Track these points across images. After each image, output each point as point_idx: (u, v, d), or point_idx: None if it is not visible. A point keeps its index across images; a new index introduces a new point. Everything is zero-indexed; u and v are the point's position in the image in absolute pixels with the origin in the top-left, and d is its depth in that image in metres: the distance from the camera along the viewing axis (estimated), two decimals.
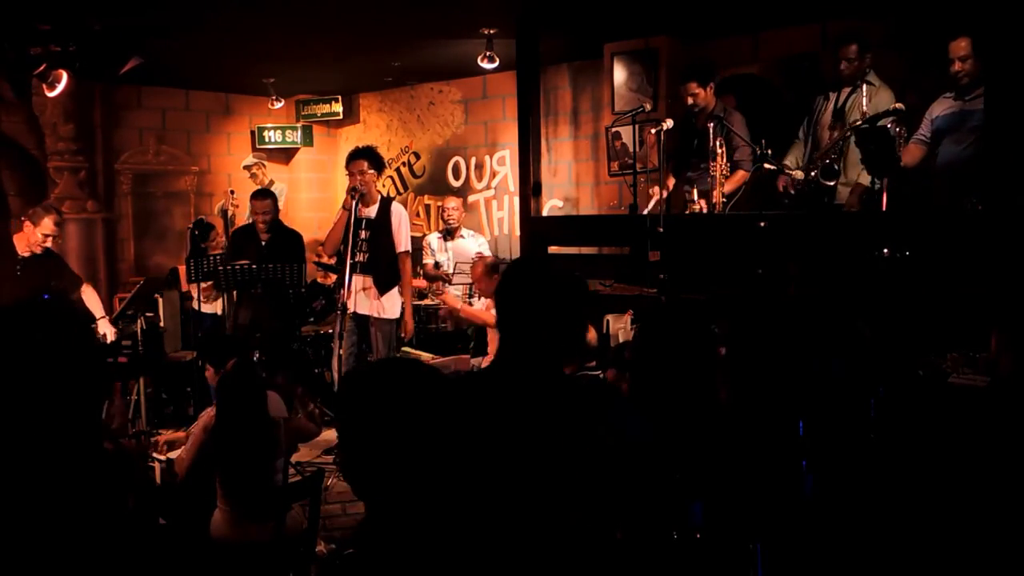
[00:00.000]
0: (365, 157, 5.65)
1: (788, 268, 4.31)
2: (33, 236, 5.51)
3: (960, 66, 4.64)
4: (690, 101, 5.54)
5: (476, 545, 1.86)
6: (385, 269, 5.64)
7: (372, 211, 5.64)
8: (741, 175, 5.41)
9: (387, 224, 5.65)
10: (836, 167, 5.05)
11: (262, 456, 3.67)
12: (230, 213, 8.45)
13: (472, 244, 7.32)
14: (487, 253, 7.36)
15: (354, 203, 5.50)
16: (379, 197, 5.77)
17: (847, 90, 5.21)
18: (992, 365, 3.51)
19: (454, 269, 7.12)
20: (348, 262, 5.46)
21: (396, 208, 5.76)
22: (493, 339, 6.29)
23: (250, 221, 6.61)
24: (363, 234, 5.58)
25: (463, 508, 1.87)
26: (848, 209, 5.10)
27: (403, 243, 5.71)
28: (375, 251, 5.61)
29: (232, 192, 8.76)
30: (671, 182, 5.74)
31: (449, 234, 7.37)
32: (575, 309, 1.99)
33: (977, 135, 4.66)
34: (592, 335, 3.84)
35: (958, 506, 3.15)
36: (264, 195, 6.51)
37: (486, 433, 1.89)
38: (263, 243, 6.32)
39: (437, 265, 7.26)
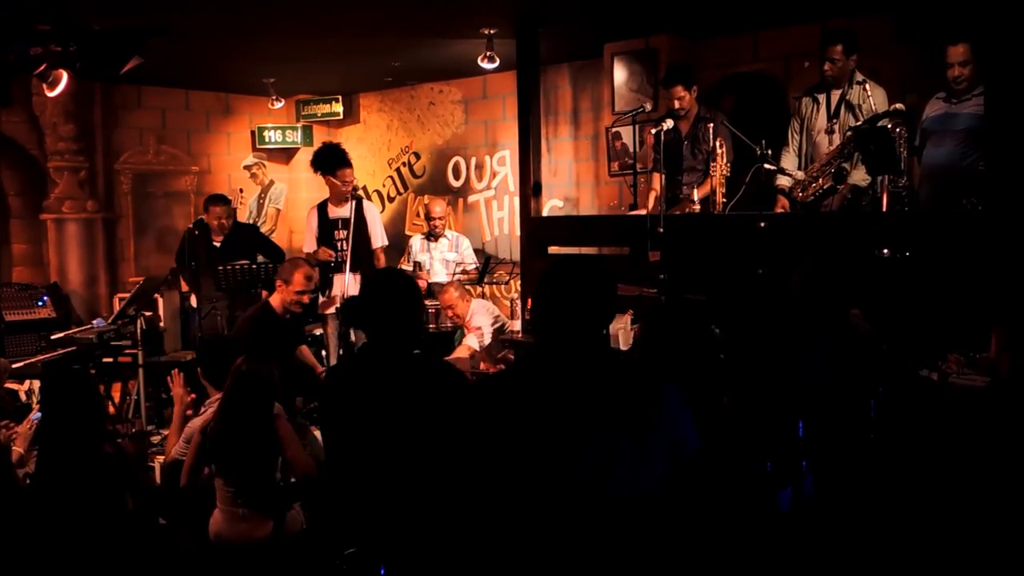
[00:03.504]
0: (350, 164, 5.92)
1: (800, 261, 4.29)
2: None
3: (959, 71, 4.64)
4: (677, 104, 5.57)
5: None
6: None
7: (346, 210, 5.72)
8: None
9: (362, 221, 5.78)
10: (844, 172, 5.05)
11: (266, 454, 3.64)
12: (235, 207, 8.46)
13: (453, 246, 7.35)
14: (470, 254, 7.35)
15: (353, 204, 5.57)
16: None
17: (837, 92, 5.21)
18: (992, 365, 3.51)
19: (451, 271, 7.14)
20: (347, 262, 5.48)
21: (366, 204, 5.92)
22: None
23: (246, 219, 6.65)
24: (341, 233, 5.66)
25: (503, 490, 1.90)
26: (830, 205, 5.12)
27: (379, 238, 5.78)
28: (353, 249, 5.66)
29: (241, 190, 8.79)
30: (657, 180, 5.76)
31: (433, 236, 7.32)
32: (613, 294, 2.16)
33: (959, 139, 4.69)
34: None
35: (958, 506, 3.15)
36: (223, 200, 6.58)
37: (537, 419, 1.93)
38: (216, 244, 6.39)
39: (419, 266, 7.27)
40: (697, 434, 2.04)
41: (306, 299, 4.98)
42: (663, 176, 5.24)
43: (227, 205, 6.51)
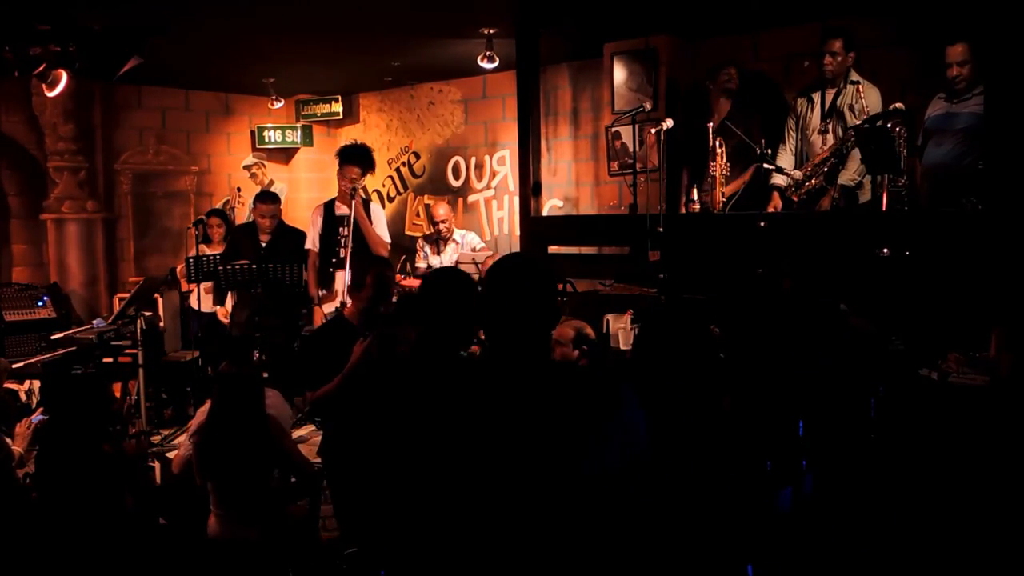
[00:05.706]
0: (359, 163, 5.86)
1: (782, 265, 4.31)
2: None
3: (957, 71, 4.66)
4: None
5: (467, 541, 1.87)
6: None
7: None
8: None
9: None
10: (838, 171, 5.06)
11: (255, 457, 3.61)
12: (232, 207, 8.46)
13: (466, 246, 7.25)
14: (479, 252, 7.26)
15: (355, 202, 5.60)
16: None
17: (832, 91, 5.20)
18: (992, 365, 3.51)
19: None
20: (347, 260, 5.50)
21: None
22: None
23: (250, 219, 6.63)
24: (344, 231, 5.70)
25: (458, 502, 1.87)
26: (819, 207, 5.12)
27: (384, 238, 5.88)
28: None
29: (239, 189, 8.78)
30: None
31: (441, 241, 6.98)
32: (552, 295, 2.07)
33: (959, 139, 4.70)
34: (590, 332, 3.83)
35: (958, 505, 3.15)
36: (271, 198, 6.58)
37: (486, 425, 1.89)
38: (263, 244, 6.34)
39: (429, 268, 7.17)
40: (648, 442, 2.00)
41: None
42: (663, 175, 5.23)
43: (275, 204, 6.52)
